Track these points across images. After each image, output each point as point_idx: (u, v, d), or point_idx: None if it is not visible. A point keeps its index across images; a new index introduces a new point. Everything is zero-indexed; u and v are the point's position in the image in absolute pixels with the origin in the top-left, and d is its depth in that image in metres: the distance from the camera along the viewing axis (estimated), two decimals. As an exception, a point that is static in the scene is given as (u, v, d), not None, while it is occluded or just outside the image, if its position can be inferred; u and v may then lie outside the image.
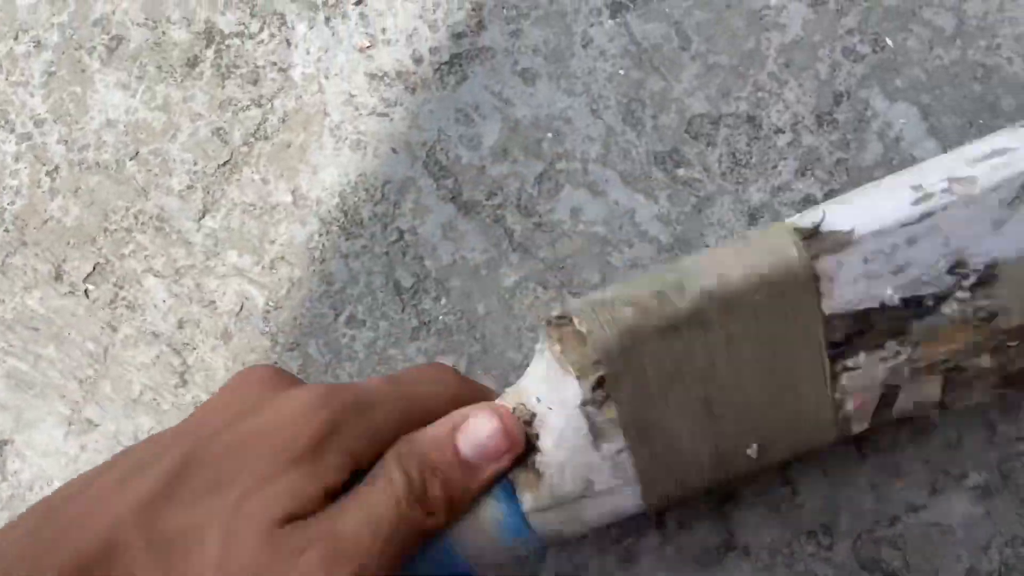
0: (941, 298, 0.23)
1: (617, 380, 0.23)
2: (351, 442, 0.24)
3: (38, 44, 0.40)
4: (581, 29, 0.38)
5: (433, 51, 0.38)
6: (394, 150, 0.38)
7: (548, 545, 0.25)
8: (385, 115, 0.38)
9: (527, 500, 0.24)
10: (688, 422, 0.23)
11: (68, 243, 0.38)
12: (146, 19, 0.40)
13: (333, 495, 0.24)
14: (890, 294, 0.23)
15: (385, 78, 0.38)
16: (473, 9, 0.39)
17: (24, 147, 0.40)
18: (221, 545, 0.21)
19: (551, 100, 0.38)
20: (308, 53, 0.39)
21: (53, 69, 0.40)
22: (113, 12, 0.40)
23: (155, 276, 0.38)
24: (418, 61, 0.38)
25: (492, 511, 0.24)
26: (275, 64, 0.39)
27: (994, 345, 0.24)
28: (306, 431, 0.23)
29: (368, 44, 0.39)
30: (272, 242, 0.37)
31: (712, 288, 0.23)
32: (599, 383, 0.23)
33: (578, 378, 0.23)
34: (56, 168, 0.39)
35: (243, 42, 0.39)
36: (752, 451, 0.23)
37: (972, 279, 0.24)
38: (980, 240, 0.23)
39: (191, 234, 0.38)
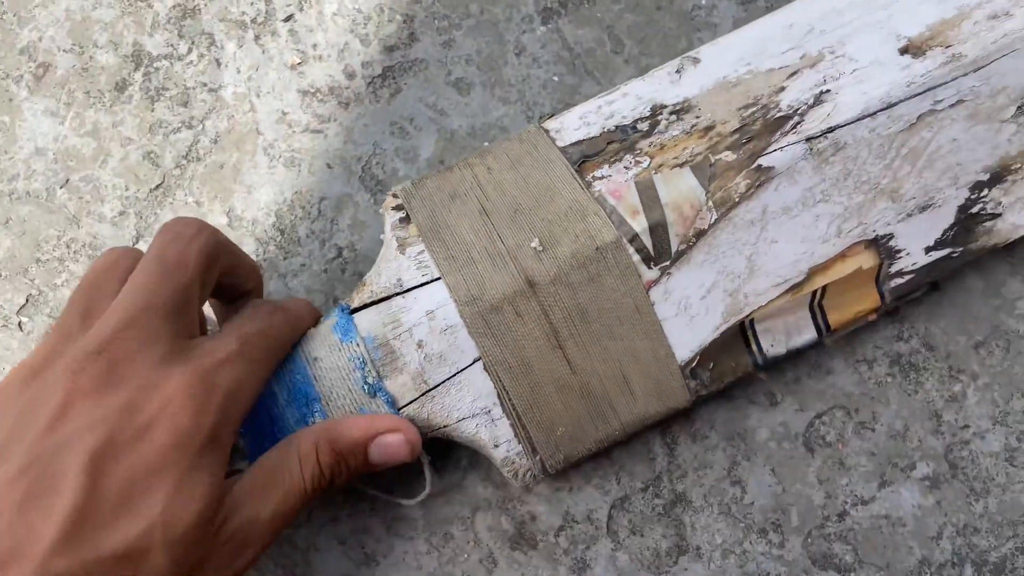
0: (653, 124, 0.32)
1: (412, 206, 0.31)
2: (236, 424, 0.27)
3: (-37, 74, 0.40)
4: (513, 37, 0.38)
5: (365, 65, 0.38)
6: (329, 166, 0.37)
7: (377, 360, 0.30)
8: (319, 131, 0.38)
9: (353, 300, 0.31)
10: (468, 224, 0.31)
11: (0, 275, 0.37)
12: (73, 44, 0.39)
13: None
14: (605, 127, 0.32)
15: (318, 94, 0.38)
16: (404, 21, 0.38)
17: (-48, 180, 0.39)
18: (170, 559, 0.24)
19: (486, 109, 0.38)
20: (238, 72, 0.38)
21: (-21, 99, 0.39)
22: (40, 39, 0.39)
23: (90, 305, 0.37)
24: (351, 76, 0.38)
25: (328, 319, 0.31)
26: (205, 85, 0.38)
27: (728, 143, 0.31)
28: (201, 426, 0.25)
29: (299, 61, 0.38)
30: (208, 265, 0.37)
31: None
32: (399, 208, 0.32)
33: (389, 213, 0.32)
34: (-14, 200, 0.38)
35: (172, 64, 0.38)
36: (536, 244, 0.30)
37: (671, 109, 0.32)
38: (665, 92, 0.33)
39: (125, 260, 0.37)
